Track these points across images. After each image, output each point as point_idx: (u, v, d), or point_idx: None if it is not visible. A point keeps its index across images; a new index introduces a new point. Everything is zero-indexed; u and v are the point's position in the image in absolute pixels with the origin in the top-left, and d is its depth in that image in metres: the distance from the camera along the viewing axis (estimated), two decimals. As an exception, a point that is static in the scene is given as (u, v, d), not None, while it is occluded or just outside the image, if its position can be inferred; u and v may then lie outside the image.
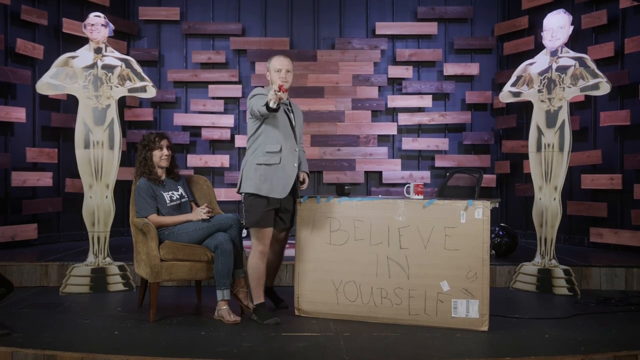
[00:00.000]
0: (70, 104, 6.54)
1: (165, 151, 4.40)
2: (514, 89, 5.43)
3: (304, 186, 4.31)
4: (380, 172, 7.80)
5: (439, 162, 7.78)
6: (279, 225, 4.27)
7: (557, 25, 5.17)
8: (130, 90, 5.26)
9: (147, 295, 4.44)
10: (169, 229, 4.25)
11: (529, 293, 5.09)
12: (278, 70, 4.17)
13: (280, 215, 4.23)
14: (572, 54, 5.18)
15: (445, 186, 5.44)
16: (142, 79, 5.28)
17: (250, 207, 4.13)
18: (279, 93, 3.81)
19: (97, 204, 5.13)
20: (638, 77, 6.16)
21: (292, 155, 4.14)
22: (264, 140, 4.09)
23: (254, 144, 4.12)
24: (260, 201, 4.09)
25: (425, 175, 7.74)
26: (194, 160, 7.70)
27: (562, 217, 5.16)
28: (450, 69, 7.82)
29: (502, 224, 6.11)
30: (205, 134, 7.73)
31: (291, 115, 4.25)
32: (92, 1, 7.15)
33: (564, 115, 5.11)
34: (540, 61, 5.30)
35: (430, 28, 7.87)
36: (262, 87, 4.29)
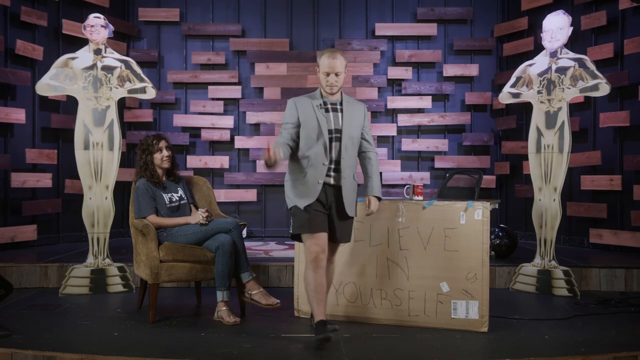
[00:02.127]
0: (69, 105, 6.54)
1: (165, 152, 4.40)
2: (513, 90, 5.43)
3: (371, 211, 3.78)
4: (380, 173, 7.79)
5: (438, 163, 7.78)
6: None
7: (556, 26, 5.18)
8: (129, 91, 5.26)
9: (146, 296, 4.44)
10: (167, 231, 4.25)
11: (528, 294, 5.09)
12: (326, 73, 3.62)
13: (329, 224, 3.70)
14: (572, 55, 5.18)
15: (444, 187, 5.44)
16: (141, 80, 5.28)
17: (293, 214, 3.67)
18: (265, 158, 3.43)
19: (97, 205, 5.13)
20: (637, 78, 6.16)
21: (318, 171, 3.61)
22: (296, 149, 3.68)
23: None
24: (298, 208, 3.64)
25: (425, 176, 7.74)
26: (194, 161, 7.70)
27: (561, 218, 5.16)
28: (449, 70, 7.83)
29: (502, 225, 6.11)
30: (205, 135, 7.73)
31: (332, 116, 3.67)
32: (91, 2, 7.15)
33: (563, 116, 5.11)
34: (540, 62, 5.30)
35: (430, 29, 7.87)
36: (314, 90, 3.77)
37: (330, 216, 3.67)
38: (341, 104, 3.70)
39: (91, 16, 5.26)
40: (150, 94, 5.30)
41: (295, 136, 3.66)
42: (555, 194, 5.13)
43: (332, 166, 3.64)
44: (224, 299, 4.09)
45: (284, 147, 3.55)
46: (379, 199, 3.78)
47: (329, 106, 3.68)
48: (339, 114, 3.67)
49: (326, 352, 3.45)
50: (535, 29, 7.11)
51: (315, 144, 3.61)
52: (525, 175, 7.05)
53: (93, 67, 5.17)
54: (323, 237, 3.61)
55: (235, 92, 7.78)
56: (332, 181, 3.64)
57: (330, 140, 3.62)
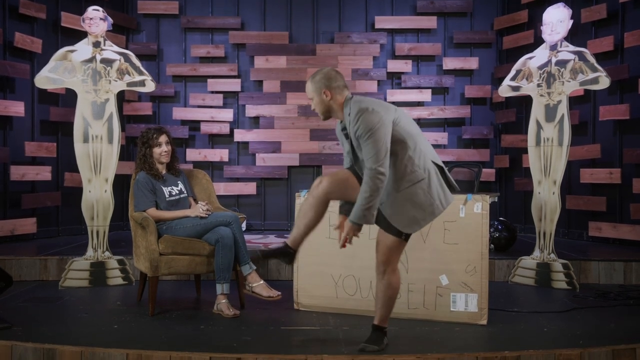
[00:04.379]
0: (69, 98, 6.53)
1: (164, 147, 4.39)
2: (513, 83, 5.42)
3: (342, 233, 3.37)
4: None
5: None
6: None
7: (556, 19, 5.16)
8: (129, 84, 5.25)
9: (146, 289, 4.44)
10: (166, 224, 4.25)
11: (527, 287, 5.09)
12: None
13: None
14: (572, 48, 5.17)
15: (444, 180, 5.43)
16: (141, 73, 5.27)
17: None
18: None
19: (96, 198, 5.13)
20: (637, 71, 6.15)
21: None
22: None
23: None
24: None
25: (424, 170, 7.72)
26: (193, 154, 7.69)
27: (561, 211, 5.16)
28: (449, 63, 7.81)
29: (501, 218, 6.12)
30: (204, 128, 7.72)
31: (346, 143, 3.38)
32: (90, -5, 7.14)
33: (563, 109, 5.10)
34: (540, 55, 5.29)
35: (430, 22, 7.85)
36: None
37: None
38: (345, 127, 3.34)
39: (90, 9, 5.24)
40: (150, 87, 5.29)
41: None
42: (555, 187, 5.13)
43: None
44: (223, 292, 4.10)
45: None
46: (354, 223, 3.19)
47: (344, 130, 3.38)
48: (347, 141, 3.36)
49: (325, 344, 3.46)
50: (535, 22, 7.09)
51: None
52: (524, 169, 7.05)
53: (92, 60, 5.16)
54: None
55: (234, 85, 7.77)
56: None
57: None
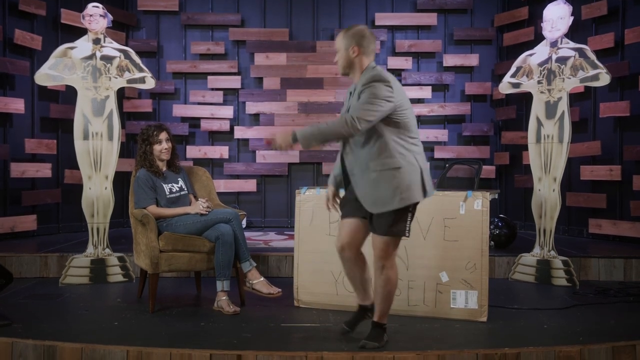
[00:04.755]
0: (69, 94, 6.52)
1: (164, 144, 4.39)
2: (513, 80, 5.42)
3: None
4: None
5: (438, 154, 7.77)
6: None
7: (557, 16, 5.16)
8: (129, 81, 5.25)
9: (146, 286, 4.45)
10: (166, 221, 4.25)
11: (527, 284, 5.10)
12: None
13: None
14: (572, 44, 5.16)
15: (444, 177, 5.44)
16: (141, 69, 5.27)
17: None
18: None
19: (97, 195, 5.13)
20: (638, 68, 6.15)
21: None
22: None
23: None
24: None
25: (424, 167, 7.72)
26: (193, 151, 7.69)
27: (561, 208, 5.16)
28: (449, 60, 7.80)
29: (502, 215, 6.12)
30: (205, 125, 7.72)
31: (346, 103, 3.42)
32: (90, -8, 7.12)
33: (563, 106, 5.10)
34: (540, 52, 5.28)
35: (430, 19, 7.84)
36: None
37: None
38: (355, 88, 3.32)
39: (90, 5, 5.24)
40: (150, 84, 5.29)
41: None
42: (555, 184, 5.13)
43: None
44: (223, 289, 4.10)
45: None
46: (294, 136, 3.15)
47: (351, 91, 3.39)
48: (349, 100, 3.37)
49: (326, 341, 3.46)
50: (535, 19, 7.09)
51: None
52: (524, 166, 7.05)
53: (92, 56, 5.15)
54: None
55: (234, 82, 7.77)
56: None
57: None
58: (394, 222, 3.25)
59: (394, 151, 3.21)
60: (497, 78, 7.53)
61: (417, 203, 3.29)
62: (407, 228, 3.30)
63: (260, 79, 7.84)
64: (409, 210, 3.28)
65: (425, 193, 3.28)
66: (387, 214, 3.23)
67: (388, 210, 3.22)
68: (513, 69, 5.44)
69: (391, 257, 3.35)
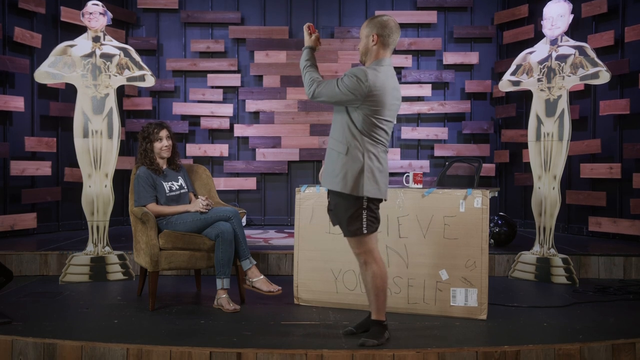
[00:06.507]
0: (68, 93, 6.52)
1: (165, 142, 4.39)
2: (513, 78, 5.41)
3: None
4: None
5: (438, 152, 7.77)
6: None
7: (557, 14, 5.15)
8: (128, 79, 5.25)
9: (146, 284, 4.45)
10: (166, 219, 4.25)
11: (527, 282, 5.10)
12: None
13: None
14: (572, 42, 5.16)
15: (444, 175, 5.44)
16: (140, 67, 5.27)
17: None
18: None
19: (96, 193, 5.13)
20: (638, 65, 6.15)
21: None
22: None
23: None
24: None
25: (424, 165, 7.73)
26: (193, 149, 7.69)
27: (561, 206, 5.16)
28: (449, 58, 7.80)
29: (501, 213, 6.11)
30: (204, 123, 7.72)
31: None
32: (90, -11, 7.12)
33: (563, 104, 5.10)
34: (540, 50, 5.28)
35: (430, 17, 7.84)
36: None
37: None
38: None
39: (89, 3, 5.23)
40: (150, 82, 5.29)
41: None
42: (555, 182, 5.13)
43: None
44: (223, 287, 4.10)
45: None
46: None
47: None
48: None
49: (325, 339, 3.46)
50: (535, 17, 7.09)
51: None
52: (524, 164, 7.05)
53: (92, 54, 5.15)
54: None
55: (234, 80, 7.77)
56: None
57: None
58: (349, 223, 3.31)
59: (346, 138, 3.28)
60: (497, 76, 7.53)
61: (369, 200, 3.29)
62: (364, 226, 3.31)
63: (260, 77, 7.84)
64: (363, 207, 3.30)
65: (364, 191, 3.26)
66: (339, 212, 3.33)
67: (332, 190, 3.33)
68: (513, 67, 5.44)
69: (370, 252, 3.37)
